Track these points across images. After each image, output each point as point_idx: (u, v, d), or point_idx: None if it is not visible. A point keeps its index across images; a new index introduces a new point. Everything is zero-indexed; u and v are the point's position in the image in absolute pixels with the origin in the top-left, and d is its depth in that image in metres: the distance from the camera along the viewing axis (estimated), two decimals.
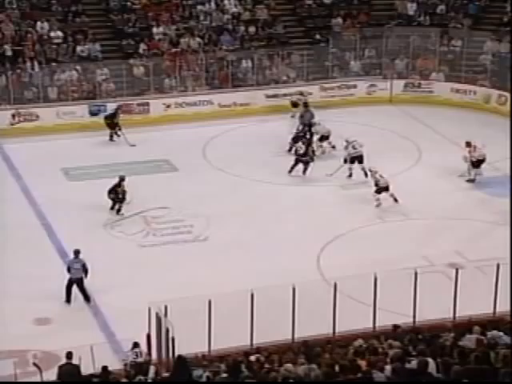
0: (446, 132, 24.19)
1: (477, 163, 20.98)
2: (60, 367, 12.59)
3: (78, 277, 15.82)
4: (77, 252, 16.00)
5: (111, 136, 23.62)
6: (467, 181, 20.99)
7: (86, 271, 15.91)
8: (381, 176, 19.79)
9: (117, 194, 19.43)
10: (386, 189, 19.72)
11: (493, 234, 18.43)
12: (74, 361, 12.58)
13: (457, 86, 26.74)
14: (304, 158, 21.36)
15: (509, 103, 25.71)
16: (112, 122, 23.59)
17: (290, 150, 22.46)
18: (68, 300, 15.88)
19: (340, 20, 27.89)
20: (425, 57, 27.53)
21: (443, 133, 24.20)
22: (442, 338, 11.83)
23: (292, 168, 21.42)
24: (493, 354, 10.30)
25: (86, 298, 15.94)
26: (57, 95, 25.30)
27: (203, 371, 11.06)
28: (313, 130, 22.97)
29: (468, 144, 21.11)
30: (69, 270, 15.93)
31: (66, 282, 15.87)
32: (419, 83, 27.18)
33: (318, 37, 27.65)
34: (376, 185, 19.79)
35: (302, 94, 25.57)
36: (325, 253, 17.80)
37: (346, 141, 21.45)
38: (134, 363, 12.77)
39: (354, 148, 21.17)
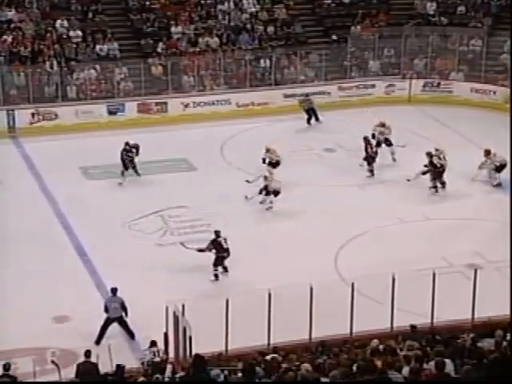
0: (466, 132, 24.05)
1: (500, 168, 20.85)
2: (78, 365, 12.65)
3: (117, 316, 14.71)
4: (114, 290, 14.90)
5: None
6: (494, 186, 20.80)
7: (125, 310, 14.75)
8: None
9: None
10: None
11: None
12: (93, 359, 12.64)
13: (476, 85, 26.58)
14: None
15: None
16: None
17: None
18: (98, 341, 14.47)
19: (359, 28, 27.75)
20: (444, 56, 27.38)
21: (463, 133, 24.06)
22: (460, 338, 11.75)
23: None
24: None
25: (130, 334, 14.84)
26: (76, 94, 25.42)
27: (220, 371, 11.05)
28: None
29: (487, 152, 20.88)
30: (106, 309, 14.76)
31: (102, 322, 14.71)
32: (438, 83, 27.05)
33: (335, 37, 27.56)
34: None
35: (307, 95, 25.36)
36: (342, 253, 17.75)
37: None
38: (152, 362, 12.79)
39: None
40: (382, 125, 22.36)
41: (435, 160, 20.31)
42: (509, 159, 20.63)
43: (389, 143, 22.23)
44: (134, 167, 21.21)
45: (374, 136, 22.08)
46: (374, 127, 22.32)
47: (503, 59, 26.92)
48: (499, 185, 20.88)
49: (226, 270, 16.86)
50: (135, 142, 21.30)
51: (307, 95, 25.56)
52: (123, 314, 14.76)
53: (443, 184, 20.47)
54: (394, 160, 22.09)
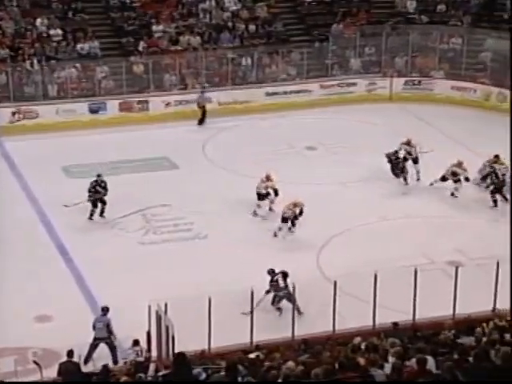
0: (447, 130, 24.19)
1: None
2: (60, 365, 12.62)
3: (101, 336, 14.11)
4: (104, 309, 14.36)
5: None
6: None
7: (110, 332, 14.14)
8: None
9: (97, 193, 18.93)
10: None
11: (493, 232, 18.42)
12: (75, 358, 12.61)
13: (457, 83, 26.74)
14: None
15: (509, 101, 25.72)
16: None
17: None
18: (86, 361, 13.77)
19: (341, 26, 27.80)
20: (425, 55, 27.52)
21: (444, 130, 24.20)
22: (441, 335, 11.84)
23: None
24: (493, 352, 10.31)
25: (114, 360, 14.09)
26: (57, 93, 25.31)
27: (202, 369, 11.06)
28: None
29: (497, 157, 20.50)
30: (94, 327, 14.30)
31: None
32: (419, 81, 27.18)
33: (317, 33, 27.60)
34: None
35: (204, 88, 25.01)
36: (325, 251, 17.81)
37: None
38: (135, 362, 12.78)
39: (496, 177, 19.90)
40: (408, 143, 21.07)
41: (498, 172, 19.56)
42: (508, 158, 20.63)
43: (415, 161, 21.06)
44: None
45: (396, 152, 20.87)
46: (399, 145, 21.03)
47: (483, 57, 27.10)
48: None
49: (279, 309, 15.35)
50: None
51: (204, 87, 25.02)
52: (112, 337, 14.15)
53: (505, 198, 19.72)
54: (418, 179, 20.93)
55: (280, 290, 15.21)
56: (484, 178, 20.44)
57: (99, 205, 19.04)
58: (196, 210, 19.41)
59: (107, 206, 19.13)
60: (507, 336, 11.12)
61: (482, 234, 18.47)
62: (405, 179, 20.90)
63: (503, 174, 19.91)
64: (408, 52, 27.36)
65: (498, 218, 19.23)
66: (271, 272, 15.42)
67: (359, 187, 20.90)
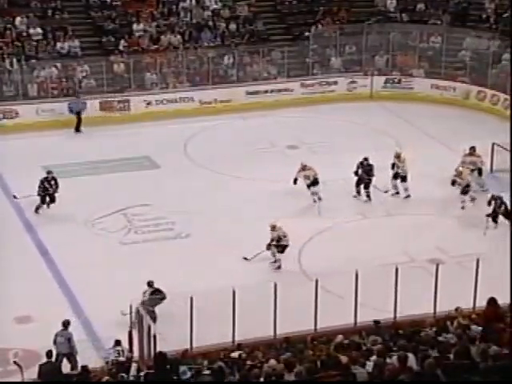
0: (427, 128, 24.31)
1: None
2: (40, 366, 12.56)
3: (63, 352, 13.51)
4: (65, 323, 13.81)
5: None
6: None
7: (71, 347, 13.56)
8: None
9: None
10: None
11: (473, 230, 18.53)
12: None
13: (437, 82, 26.89)
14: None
15: (488, 99, 25.91)
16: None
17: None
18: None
19: (320, 27, 27.85)
20: (405, 53, 27.64)
21: (424, 129, 24.33)
22: (422, 333, 11.91)
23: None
24: (474, 349, 10.38)
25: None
26: (37, 92, 25.17)
27: (186, 368, 11.06)
28: None
29: (472, 148, 20.63)
30: (55, 342, 13.66)
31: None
32: (399, 79, 27.30)
33: (298, 33, 27.68)
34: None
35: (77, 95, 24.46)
36: (306, 249, 17.84)
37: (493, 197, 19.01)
38: (116, 361, 12.74)
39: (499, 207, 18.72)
40: (398, 156, 20.08)
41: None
42: (509, 157, 20.74)
43: (404, 179, 20.15)
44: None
45: (393, 167, 20.09)
46: (393, 159, 20.13)
47: (462, 56, 27.27)
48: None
49: None
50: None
51: (78, 94, 24.39)
52: (71, 352, 13.54)
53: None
54: (407, 196, 20.05)
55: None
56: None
57: (48, 200, 19.18)
58: (178, 209, 19.37)
59: (90, 205, 19.07)
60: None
61: (462, 232, 18.57)
62: (368, 196, 20.02)
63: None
64: (388, 51, 27.47)
65: (479, 215, 19.34)
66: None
67: (340, 185, 20.94)
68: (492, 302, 12.71)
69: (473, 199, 19.75)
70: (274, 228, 17.26)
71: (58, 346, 13.57)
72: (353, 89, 27.20)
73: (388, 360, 10.21)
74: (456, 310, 13.42)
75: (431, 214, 19.31)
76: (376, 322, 13.43)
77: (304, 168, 19.82)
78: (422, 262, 16.72)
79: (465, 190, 19.62)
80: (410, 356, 10.09)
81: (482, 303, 14.00)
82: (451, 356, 10.05)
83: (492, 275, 15.45)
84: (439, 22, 28.05)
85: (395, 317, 14.34)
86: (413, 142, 23.30)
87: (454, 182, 19.79)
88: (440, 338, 11.48)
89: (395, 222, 19.11)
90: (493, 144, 21.32)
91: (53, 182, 19.24)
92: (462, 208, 19.59)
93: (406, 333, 12.29)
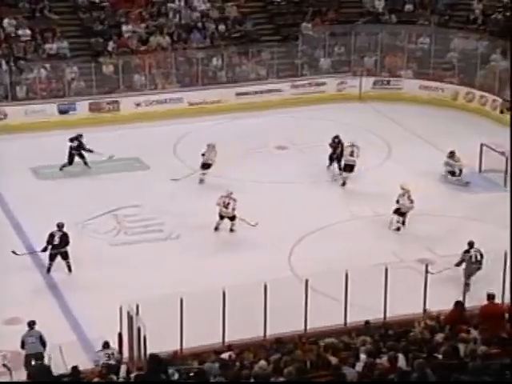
0: (415, 128, 24.40)
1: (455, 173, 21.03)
2: (30, 368, 12.52)
3: (35, 352, 13.31)
4: (31, 323, 13.65)
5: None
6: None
7: (43, 344, 13.37)
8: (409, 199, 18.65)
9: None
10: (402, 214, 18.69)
11: (462, 230, 18.60)
12: (45, 360, 12.52)
13: (425, 82, 26.98)
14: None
15: (476, 100, 26.02)
16: None
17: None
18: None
19: (310, 25, 27.90)
20: (394, 54, 27.72)
21: (412, 129, 24.41)
22: (411, 333, 11.96)
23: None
24: (462, 348, 10.44)
25: None
26: (25, 94, 25.10)
27: (175, 370, 11.07)
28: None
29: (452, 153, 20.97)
30: (23, 345, 13.44)
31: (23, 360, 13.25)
32: (388, 80, 27.38)
33: (287, 34, 27.72)
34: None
35: None
36: (296, 250, 17.87)
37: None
38: (106, 365, 12.72)
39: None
40: (404, 189, 18.91)
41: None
42: (508, 157, 20.81)
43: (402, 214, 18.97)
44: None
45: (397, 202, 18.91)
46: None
47: (450, 57, 27.36)
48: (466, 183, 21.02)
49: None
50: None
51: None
52: (42, 350, 13.32)
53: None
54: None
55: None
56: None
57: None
58: (168, 210, 19.36)
59: (79, 207, 19.04)
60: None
61: (450, 231, 18.64)
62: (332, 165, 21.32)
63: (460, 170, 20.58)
64: (377, 51, 27.54)
65: (466, 214, 19.43)
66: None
67: (330, 186, 21.00)
68: (459, 304, 13.02)
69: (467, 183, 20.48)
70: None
71: (29, 347, 13.42)
72: (342, 89, 27.26)
73: (378, 360, 10.25)
74: (424, 311, 13.55)
75: (419, 214, 19.36)
76: (366, 322, 13.48)
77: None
78: (411, 262, 16.76)
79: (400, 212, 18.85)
80: (400, 356, 10.14)
81: (469, 304, 14.09)
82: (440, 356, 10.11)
83: (480, 275, 15.60)
84: (427, 23, 28.14)
85: (385, 317, 14.39)
86: (401, 142, 23.40)
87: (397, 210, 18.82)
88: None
89: (384, 221, 19.13)
90: (481, 145, 21.43)
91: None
92: (398, 229, 18.69)
93: (396, 332, 12.34)
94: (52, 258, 16.89)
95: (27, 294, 15.93)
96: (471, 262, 16.05)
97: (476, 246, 16.23)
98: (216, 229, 18.64)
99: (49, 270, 16.96)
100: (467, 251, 16.18)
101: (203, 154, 20.99)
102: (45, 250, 16.84)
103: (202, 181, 20.96)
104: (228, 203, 18.52)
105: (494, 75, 25.88)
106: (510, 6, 27.15)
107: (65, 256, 16.91)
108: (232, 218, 18.57)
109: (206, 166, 20.97)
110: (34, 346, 13.42)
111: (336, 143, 21.51)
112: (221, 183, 20.83)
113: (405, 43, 27.46)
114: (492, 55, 26.34)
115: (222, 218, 18.60)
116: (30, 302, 15.75)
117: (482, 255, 16.09)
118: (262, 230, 18.56)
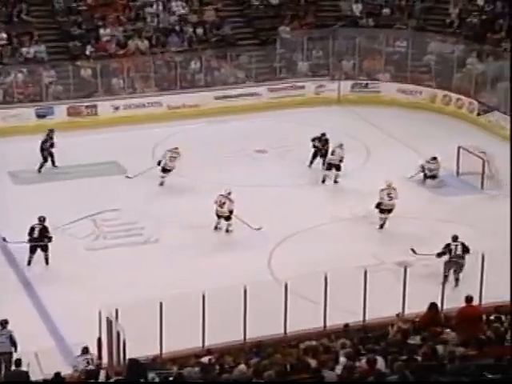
0: (394, 131, 24.52)
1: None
2: (8, 374, 12.41)
3: (3, 351, 13.21)
4: (3, 323, 13.57)
5: None
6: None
7: (14, 344, 13.35)
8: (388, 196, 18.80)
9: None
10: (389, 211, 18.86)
11: (441, 232, 18.67)
12: (23, 366, 12.41)
13: (403, 86, 27.13)
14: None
15: (453, 103, 26.22)
16: None
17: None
18: None
19: (288, 28, 27.99)
20: (371, 57, 27.85)
21: (390, 132, 24.53)
22: (390, 335, 12.02)
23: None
24: (441, 350, 10.52)
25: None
26: (2, 98, 24.93)
27: (155, 374, 11.05)
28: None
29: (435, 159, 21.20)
30: None
31: None
32: (366, 84, 27.50)
33: (265, 38, 27.77)
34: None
35: None
36: (276, 253, 17.89)
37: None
38: (86, 371, 12.65)
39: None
40: (389, 186, 19.11)
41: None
42: (509, 159, 20.91)
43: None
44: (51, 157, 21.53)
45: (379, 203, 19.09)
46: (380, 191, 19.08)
47: (427, 60, 27.55)
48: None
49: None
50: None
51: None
52: (12, 350, 13.28)
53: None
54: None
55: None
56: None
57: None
58: (146, 214, 19.32)
59: (58, 211, 18.92)
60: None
61: (430, 234, 18.72)
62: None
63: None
64: (355, 55, 27.66)
65: (445, 217, 19.55)
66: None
67: (309, 189, 21.05)
68: (432, 306, 13.13)
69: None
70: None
71: None
72: (320, 93, 27.33)
73: (357, 363, 10.29)
74: (397, 315, 13.64)
75: (398, 216, 19.45)
76: (345, 325, 13.51)
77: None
78: (390, 265, 16.84)
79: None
80: (379, 359, 10.19)
81: (448, 305, 14.18)
82: (419, 358, 10.17)
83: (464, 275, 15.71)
84: (405, 27, 28.32)
85: (364, 319, 14.43)
86: (380, 145, 23.51)
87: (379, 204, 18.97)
88: (408, 341, 11.58)
89: (363, 224, 19.21)
90: (458, 147, 21.59)
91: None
92: (381, 227, 18.93)
93: (375, 335, 12.39)
94: (32, 250, 17.12)
95: (5, 300, 15.74)
96: (450, 256, 16.20)
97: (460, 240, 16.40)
98: (216, 228, 18.64)
99: (29, 262, 17.16)
100: (448, 244, 16.37)
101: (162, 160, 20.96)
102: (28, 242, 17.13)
103: (162, 183, 20.96)
104: (224, 202, 18.49)
105: (470, 78, 26.10)
106: (486, 10, 27.40)
107: (44, 248, 17.11)
108: (227, 219, 18.52)
109: (165, 170, 20.94)
110: (3, 346, 13.33)
111: (324, 141, 21.71)
112: (200, 187, 20.86)
113: (382, 47, 27.60)
114: (468, 59, 26.55)
115: (218, 217, 18.57)
116: (8, 308, 15.51)
117: (465, 250, 16.25)
118: (240, 232, 18.58)
